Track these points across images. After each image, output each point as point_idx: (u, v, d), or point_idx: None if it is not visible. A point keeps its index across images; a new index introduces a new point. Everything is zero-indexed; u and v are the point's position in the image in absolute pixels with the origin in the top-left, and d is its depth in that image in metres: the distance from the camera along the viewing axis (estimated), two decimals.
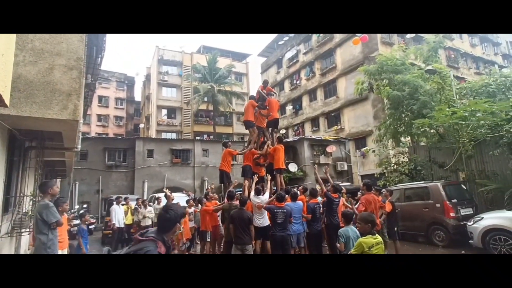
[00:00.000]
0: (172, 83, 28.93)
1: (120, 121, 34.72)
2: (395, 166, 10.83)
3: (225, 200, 6.27)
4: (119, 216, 8.36)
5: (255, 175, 6.68)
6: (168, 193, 7.72)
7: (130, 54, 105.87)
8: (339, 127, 21.10)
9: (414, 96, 10.55)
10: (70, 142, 4.81)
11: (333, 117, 21.97)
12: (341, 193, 6.29)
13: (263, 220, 5.50)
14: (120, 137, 27.39)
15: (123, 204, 8.78)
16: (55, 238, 3.41)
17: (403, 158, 11.26)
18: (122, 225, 8.43)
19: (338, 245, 3.68)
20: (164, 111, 28.63)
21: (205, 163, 17.62)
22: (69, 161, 7.62)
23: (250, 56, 35.42)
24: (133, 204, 9.09)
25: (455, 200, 7.60)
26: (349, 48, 19.86)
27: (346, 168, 19.08)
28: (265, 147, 7.19)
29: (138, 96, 38.27)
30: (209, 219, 6.49)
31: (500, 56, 27.72)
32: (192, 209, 8.03)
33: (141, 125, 31.90)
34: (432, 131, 10.07)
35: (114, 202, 8.61)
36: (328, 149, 18.60)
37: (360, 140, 19.32)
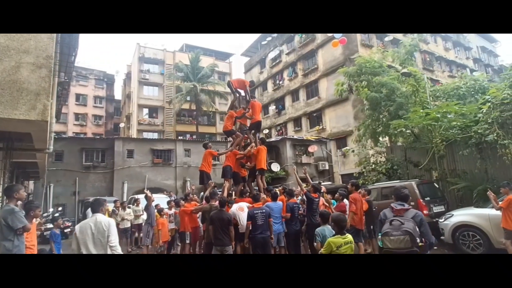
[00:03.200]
0: (154, 81, 28.34)
1: (99, 120, 33.58)
2: (373, 166, 11.15)
3: (203, 201, 6.24)
4: None
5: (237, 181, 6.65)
6: (149, 194, 7.56)
7: (110, 51, 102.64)
8: (320, 127, 21.47)
9: (391, 97, 10.92)
10: (41, 143, 4.60)
11: (315, 117, 22.32)
12: (321, 193, 6.40)
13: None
14: (98, 137, 26.48)
15: None
16: (22, 244, 3.25)
17: (381, 157, 11.61)
18: None
19: (315, 244, 3.77)
20: (146, 110, 28.01)
21: (187, 163, 17.38)
22: (41, 163, 7.29)
23: (233, 55, 35.44)
24: (110, 206, 8.82)
25: (428, 198, 7.90)
26: (330, 49, 20.15)
27: (327, 167, 19.42)
28: (249, 148, 7.24)
29: (118, 95, 37.19)
30: (188, 220, 6.43)
31: (471, 60, 29.16)
32: (172, 211, 7.92)
33: (121, 125, 31.02)
34: (408, 131, 10.45)
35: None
36: (310, 149, 18.85)
37: (341, 140, 19.75)
